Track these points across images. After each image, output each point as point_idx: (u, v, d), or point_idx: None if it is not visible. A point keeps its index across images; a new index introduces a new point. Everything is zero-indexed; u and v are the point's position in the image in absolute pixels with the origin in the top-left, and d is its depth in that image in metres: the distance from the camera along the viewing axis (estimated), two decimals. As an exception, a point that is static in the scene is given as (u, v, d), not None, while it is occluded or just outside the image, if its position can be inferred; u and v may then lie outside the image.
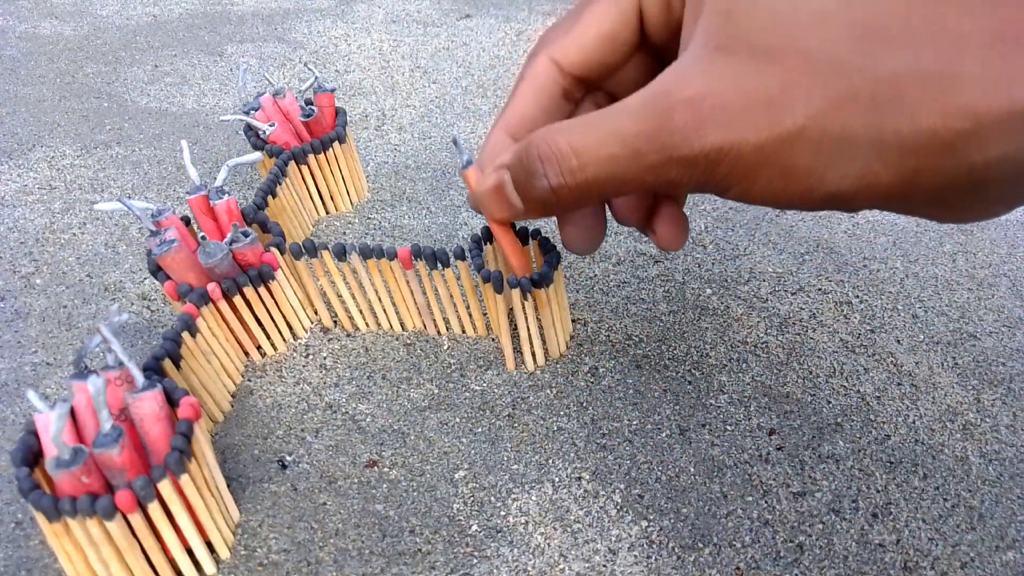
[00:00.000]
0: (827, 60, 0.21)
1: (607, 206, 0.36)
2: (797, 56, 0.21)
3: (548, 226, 0.56)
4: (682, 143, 0.23)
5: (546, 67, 0.31)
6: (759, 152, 0.22)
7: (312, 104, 0.56)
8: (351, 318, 0.46)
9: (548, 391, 0.42)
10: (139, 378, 0.32)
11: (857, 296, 0.49)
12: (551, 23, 0.93)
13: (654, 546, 0.34)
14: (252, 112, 0.54)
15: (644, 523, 0.35)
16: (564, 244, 0.35)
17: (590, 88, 0.33)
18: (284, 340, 0.45)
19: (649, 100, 0.24)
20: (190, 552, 0.33)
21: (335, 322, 0.47)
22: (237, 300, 0.42)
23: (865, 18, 0.20)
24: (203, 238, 0.40)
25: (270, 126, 0.53)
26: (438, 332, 0.46)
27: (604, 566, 0.33)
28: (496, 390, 0.42)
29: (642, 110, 0.24)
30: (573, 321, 0.46)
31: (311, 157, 0.54)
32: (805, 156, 0.22)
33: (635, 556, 0.33)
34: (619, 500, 0.36)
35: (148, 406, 0.31)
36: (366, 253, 0.43)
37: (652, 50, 0.31)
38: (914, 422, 0.40)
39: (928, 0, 0.19)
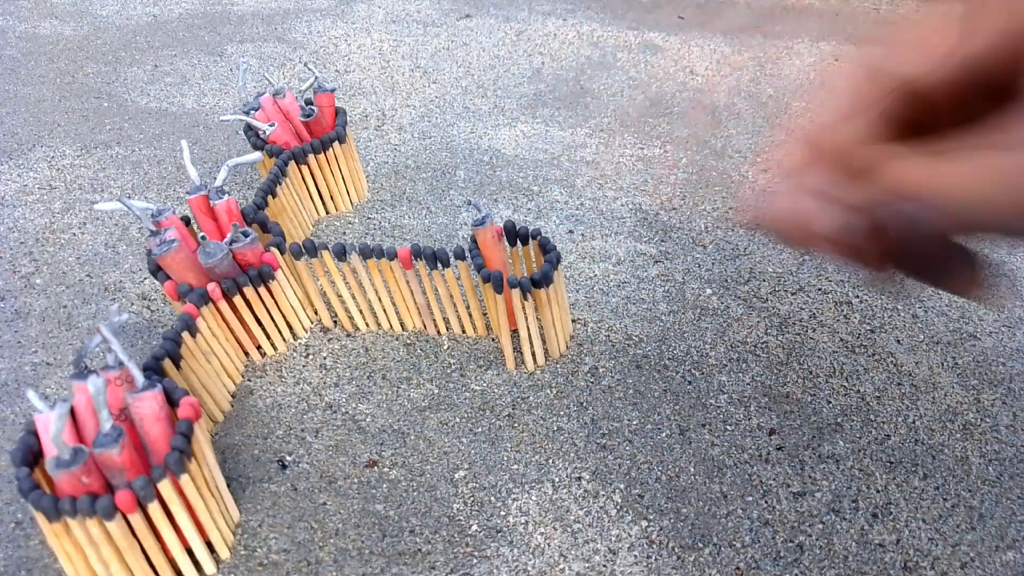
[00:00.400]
0: None
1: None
2: None
3: (548, 227, 0.56)
4: None
5: (883, 79, 0.28)
6: None
7: (312, 104, 0.56)
8: (351, 318, 0.46)
9: (548, 391, 0.42)
10: (139, 378, 0.32)
11: (857, 296, 0.49)
12: (550, 24, 0.94)
13: (654, 546, 0.34)
14: (252, 112, 0.54)
15: (644, 523, 0.35)
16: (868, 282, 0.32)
17: (905, 119, 0.30)
18: (284, 340, 0.45)
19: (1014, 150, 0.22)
20: (190, 552, 0.33)
21: (335, 322, 0.47)
22: (237, 300, 0.42)
23: None
24: (203, 238, 0.40)
25: (270, 126, 0.53)
26: (438, 332, 0.46)
27: (604, 566, 0.33)
28: (496, 390, 0.42)
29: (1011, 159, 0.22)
30: (573, 321, 0.46)
31: (311, 157, 0.54)
32: None
33: (635, 556, 0.33)
34: (619, 500, 0.36)
35: (148, 406, 0.31)
36: (366, 253, 0.43)
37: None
38: (914, 422, 0.40)
39: None
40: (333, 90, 0.56)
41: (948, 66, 0.28)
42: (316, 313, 0.47)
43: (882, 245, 0.26)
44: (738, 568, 0.33)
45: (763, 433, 0.39)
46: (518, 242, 0.43)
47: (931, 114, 0.29)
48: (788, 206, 0.27)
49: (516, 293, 0.40)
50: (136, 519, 0.30)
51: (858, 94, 0.29)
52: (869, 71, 0.28)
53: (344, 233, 0.55)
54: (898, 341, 0.45)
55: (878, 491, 0.36)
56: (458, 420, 0.40)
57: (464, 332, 0.46)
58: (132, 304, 0.49)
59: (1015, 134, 0.23)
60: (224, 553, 0.34)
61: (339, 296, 0.47)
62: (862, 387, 0.42)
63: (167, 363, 0.36)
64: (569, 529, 0.35)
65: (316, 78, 0.55)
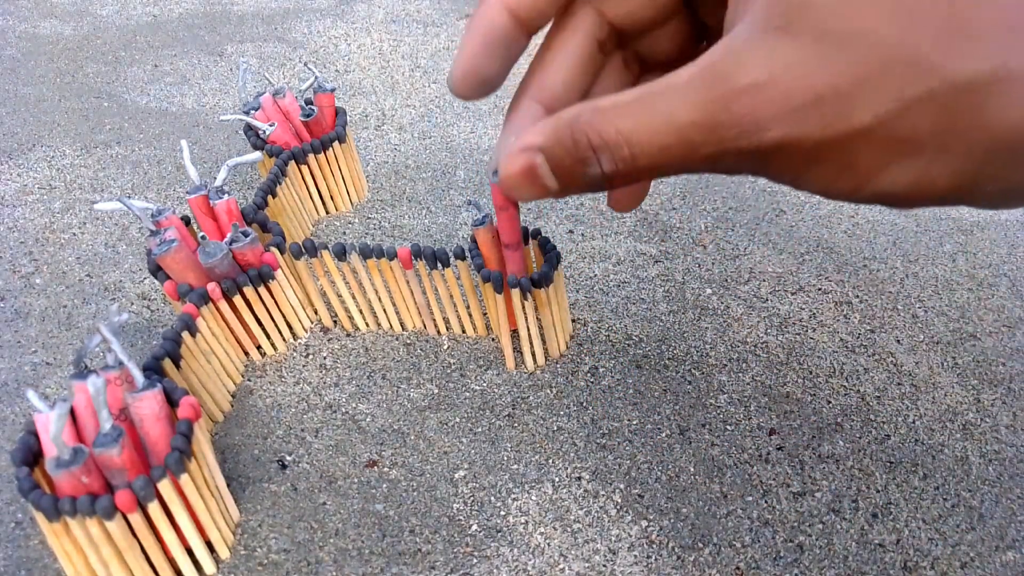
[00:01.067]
0: (905, 56, 0.19)
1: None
2: (872, 47, 0.19)
3: (548, 226, 0.56)
4: (740, 137, 0.21)
5: (587, 16, 0.29)
6: (819, 148, 0.21)
7: (312, 104, 0.56)
8: (351, 318, 0.46)
9: (548, 391, 0.42)
10: (139, 378, 0.32)
11: (857, 296, 0.49)
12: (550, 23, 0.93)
13: (654, 546, 0.34)
14: (252, 112, 0.54)
15: (644, 523, 0.35)
16: (609, 204, 0.34)
17: (621, 43, 0.31)
18: (284, 340, 0.45)
19: (704, 83, 0.22)
20: (190, 552, 0.33)
21: (335, 322, 0.47)
22: (237, 300, 0.42)
23: (953, 11, 0.18)
24: (203, 238, 0.40)
25: (270, 126, 0.53)
26: (438, 332, 0.46)
27: (604, 566, 0.33)
28: (496, 390, 0.42)
29: (697, 95, 0.22)
30: (573, 321, 0.46)
31: (311, 157, 0.54)
32: (865, 155, 0.21)
33: (635, 556, 0.33)
34: (619, 500, 0.36)
35: (148, 406, 0.31)
36: (366, 253, 0.43)
37: (690, 14, 0.29)
38: (914, 422, 0.40)
39: None
40: (333, 90, 0.56)
41: None
42: (316, 313, 0.47)
43: (569, 183, 0.27)
44: (738, 568, 0.33)
45: (763, 433, 0.39)
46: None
47: (653, 43, 0.29)
48: (513, 168, 0.28)
49: (516, 293, 0.40)
50: (136, 519, 0.30)
51: (576, 29, 0.30)
52: (585, 10, 0.29)
53: (344, 233, 0.55)
54: (898, 341, 0.45)
55: (878, 491, 0.36)
56: (458, 420, 0.40)
57: (464, 332, 0.46)
58: (132, 304, 0.49)
59: (685, 78, 0.23)
60: (224, 553, 0.34)
61: (339, 296, 0.47)
62: (862, 387, 0.42)
63: (167, 363, 0.36)
64: (569, 529, 0.35)
65: (316, 78, 0.55)
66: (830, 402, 0.41)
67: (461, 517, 0.35)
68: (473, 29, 0.29)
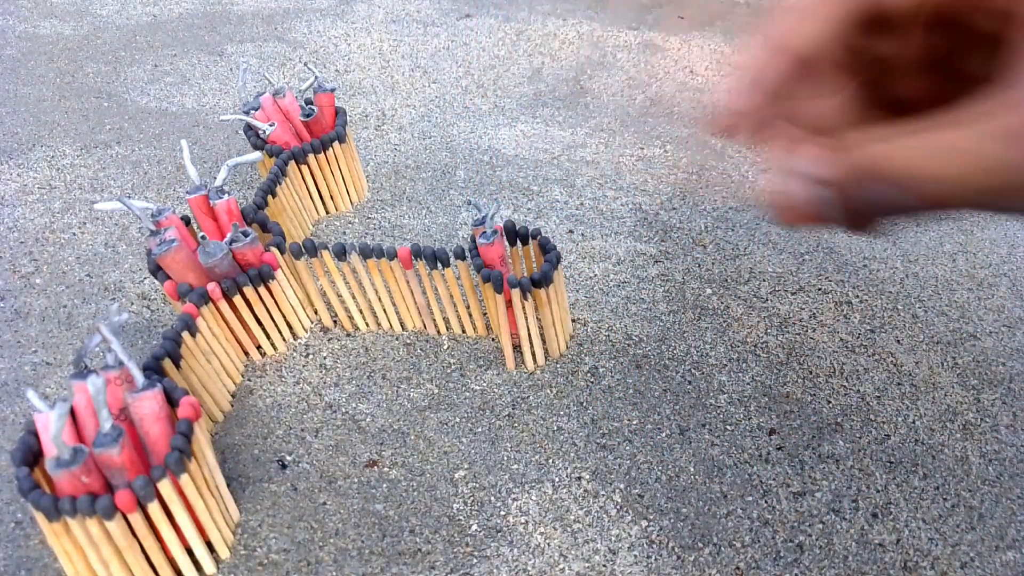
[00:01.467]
0: None
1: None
2: None
3: (548, 226, 0.56)
4: None
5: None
6: None
7: (312, 104, 0.56)
8: (351, 318, 0.46)
9: (548, 391, 0.42)
10: (139, 378, 0.31)
11: (857, 296, 0.49)
12: (550, 24, 0.93)
13: (654, 546, 0.34)
14: (252, 112, 0.54)
15: (644, 523, 0.35)
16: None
17: (867, 29, 0.30)
18: (284, 340, 0.45)
19: (1001, 113, 0.22)
20: (190, 552, 0.33)
21: (335, 322, 0.47)
22: (237, 300, 0.42)
23: None
24: (203, 238, 0.40)
25: (270, 126, 0.53)
26: (438, 332, 0.46)
27: (604, 566, 0.33)
28: (496, 390, 0.42)
29: (995, 124, 0.22)
30: (573, 321, 0.46)
31: (311, 157, 0.54)
32: None
33: (635, 556, 0.33)
34: (619, 500, 0.36)
35: (148, 406, 0.31)
36: (366, 253, 0.43)
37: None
38: (914, 422, 0.40)
39: None
40: (333, 90, 0.56)
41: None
42: (316, 313, 0.47)
43: (856, 218, 0.27)
44: (738, 568, 0.33)
45: (763, 433, 0.39)
46: (518, 242, 0.43)
47: (902, 64, 0.29)
48: (779, 190, 0.28)
49: (516, 293, 0.40)
50: (136, 519, 0.30)
51: (822, 4, 0.30)
52: None
53: (344, 233, 0.55)
54: (898, 341, 0.45)
55: (878, 491, 0.36)
56: (458, 420, 0.40)
57: (464, 332, 0.46)
58: (132, 304, 0.49)
59: (969, 111, 0.23)
60: (224, 553, 0.34)
61: (339, 296, 0.47)
62: (862, 387, 0.42)
63: (167, 363, 0.36)
64: (569, 529, 0.35)
65: (316, 78, 0.55)
66: (830, 402, 0.41)
67: (461, 517, 0.35)
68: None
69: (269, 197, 0.48)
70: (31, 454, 0.30)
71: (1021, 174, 0.23)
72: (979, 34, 0.28)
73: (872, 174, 0.25)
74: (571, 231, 0.55)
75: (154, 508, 0.30)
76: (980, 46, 0.28)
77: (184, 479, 0.31)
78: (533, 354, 0.43)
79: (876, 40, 0.31)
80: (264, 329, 0.44)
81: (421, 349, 0.45)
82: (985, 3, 0.28)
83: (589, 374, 0.43)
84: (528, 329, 0.41)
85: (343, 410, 0.41)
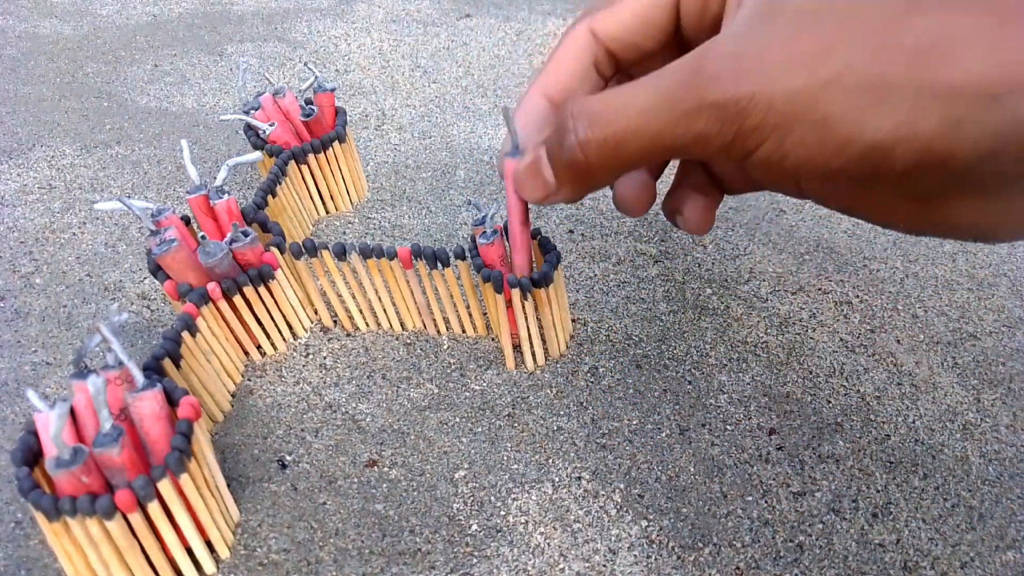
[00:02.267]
0: (872, 17, 0.21)
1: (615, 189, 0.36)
2: (842, 20, 0.21)
3: (548, 226, 0.56)
4: (714, 87, 0.23)
5: (584, 36, 0.32)
6: (792, 101, 0.22)
7: (312, 104, 0.56)
8: (351, 318, 0.46)
9: (548, 391, 0.42)
10: (139, 377, 0.31)
11: (857, 296, 0.49)
12: (550, 23, 0.93)
13: (654, 546, 0.34)
14: (252, 111, 0.54)
15: (644, 523, 0.35)
16: (615, 204, 0.35)
17: (620, 68, 0.33)
18: (284, 340, 0.45)
19: (685, 59, 0.24)
20: (190, 552, 0.33)
21: (335, 322, 0.47)
22: (237, 300, 0.42)
23: None
24: (203, 238, 0.40)
25: (270, 125, 0.53)
26: (438, 332, 0.46)
27: (604, 566, 0.33)
28: (496, 390, 0.42)
29: (676, 66, 0.24)
30: (573, 321, 0.46)
31: (311, 157, 0.54)
32: (841, 104, 0.21)
33: (635, 556, 0.33)
34: (619, 500, 0.36)
35: (148, 406, 0.31)
36: (366, 253, 0.43)
37: (685, 48, 0.31)
38: (914, 422, 0.40)
39: None
40: (333, 90, 0.56)
41: (634, 21, 0.31)
42: (316, 313, 0.47)
43: (568, 170, 0.29)
44: (738, 568, 0.33)
45: (763, 433, 0.39)
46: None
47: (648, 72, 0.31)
48: (523, 163, 0.31)
49: (516, 293, 0.40)
50: (136, 519, 0.30)
51: (576, 46, 0.33)
52: (585, 23, 0.32)
53: (344, 233, 0.55)
54: (898, 341, 0.45)
55: (878, 491, 0.36)
56: (458, 420, 0.40)
57: (464, 332, 0.46)
58: (132, 304, 0.49)
59: (668, 65, 0.25)
60: (224, 553, 0.34)
61: (339, 296, 0.47)
62: (862, 387, 0.42)
63: (167, 363, 0.36)
64: (569, 529, 0.35)
65: (316, 78, 0.55)
66: (830, 402, 0.41)
67: (461, 517, 0.35)
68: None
69: (269, 197, 0.48)
70: (31, 454, 0.30)
71: (689, 99, 0.24)
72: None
73: (567, 114, 0.28)
74: (571, 231, 0.55)
75: (154, 508, 0.30)
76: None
77: (184, 479, 0.31)
78: (533, 354, 0.43)
79: (622, 71, 0.34)
80: (264, 329, 0.44)
81: (421, 349, 0.45)
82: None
83: (589, 374, 0.43)
84: (528, 329, 0.41)
85: (343, 410, 0.41)
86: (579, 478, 0.37)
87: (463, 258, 0.42)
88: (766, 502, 0.36)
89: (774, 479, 0.37)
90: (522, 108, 0.34)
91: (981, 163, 0.21)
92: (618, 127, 0.26)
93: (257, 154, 0.46)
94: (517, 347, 0.43)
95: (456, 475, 0.37)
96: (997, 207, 0.22)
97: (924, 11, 0.20)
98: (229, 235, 0.41)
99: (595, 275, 0.51)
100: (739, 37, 0.23)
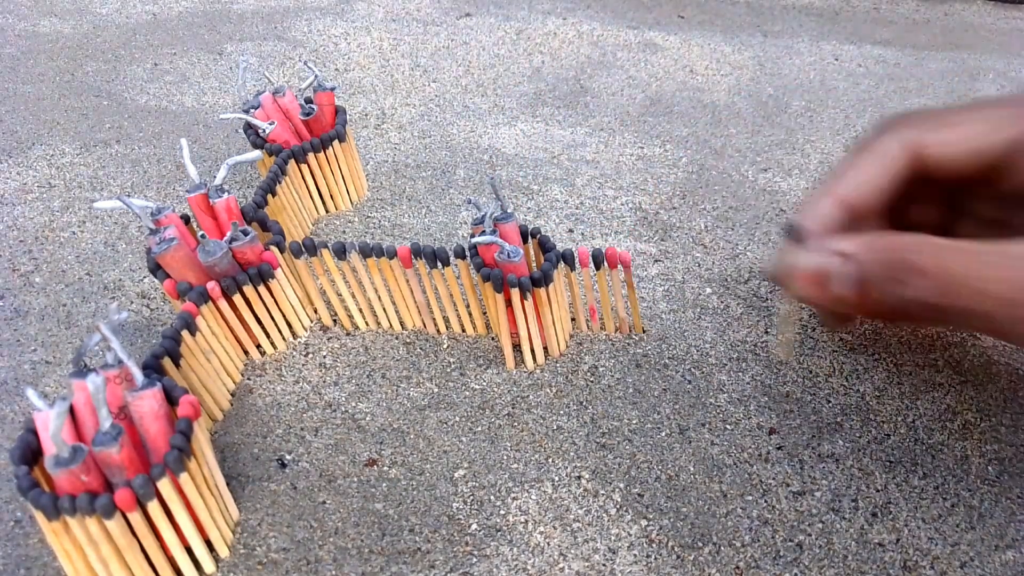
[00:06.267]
0: None
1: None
2: None
3: (548, 226, 0.56)
4: None
5: (897, 150, 0.30)
6: None
7: (312, 102, 0.56)
8: (351, 317, 0.46)
9: (548, 390, 0.42)
10: (138, 376, 0.31)
11: (857, 296, 0.49)
12: (550, 23, 0.93)
13: (654, 545, 0.34)
14: (252, 110, 0.54)
15: (644, 522, 0.35)
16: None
17: (937, 187, 0.32)
18: (284, 339, 0.45)
19: None
20: (189, 551, 0.33)
21: (335, 321, 0.47)
22: (237, 298, 0.42)
23: None
24: (203, 236, 0.40)
25: (270, 124, 0.53)
26: (438, 331, 0.46)
27: (604, 565, 0.33)
28: (496, 389, 0.42)
29: None
30: (573, 320, 0.46)
31: (311, 155, 0.54)
32: None
33: (635, 555, 0.33)
34: (619, 499, 0.36)
35: (147, 404, 0.31)
36: (366, 252, 0.43)
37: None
38: (914, 422, 0.40)
39: None
40: (333, 88, 0.56)
41: (972, 151, 0.30)
42: (316, 312, 0.47)
43: (864, 304, 0.28)
44: (737, 567, 0.33)
45: (763, 432, 0.39)
46: (518, 241, 0.43)
47: (954, 194, 0.30)
48: (805, 265, 0.30)
49: (516, 292, 0.40)
50: (135, 518, 0.30)
51: (887, 160, 0.31)
52: (901, 140, 0.31)
53: (344, 232, 0.55)
54: (898, 341, 0.45)
55: (878, 490, 0.36)
56: (458, 419, 0.40)
57: (464, 331, 0.46)
58: (131, 302, 0.49)
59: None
60: (223, 552, 0.34)
61: (339, 295, 0.47)
62: (862, 387, 0.42)
63: (167, 361, 0.36)
64: (569, 528, 0.35)
65: (316, 76, 0.55)
66: (830, 402, 0.41)
67: (461, 516, 0.35)
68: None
69: (269, 196, 0.48)
70: (30, 452, 0.30)
71: None
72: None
73: (911, 267, 0.26)
74: (571, 230, 0.55)
75: (153, 507, 0.30)
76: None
77: (184, 478, 0.31)
78: (533, 353, 0.43)
79: (922, 198, 0.32)
80: (264, 328, 0.44)
81: (421, 348, 0.45)
82: None
83: (589, 373, 0.43)
84: (528, 328, 0.41)
85: (343, 409, 0.41)
86: (579, 477, 0.37)
87: (463, 257, 0.42)
88: (766, 501, 0.36)
89: (774, 478, 0.37)
90: (813, 214, 0.32)
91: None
92: (957, 302, 0.24)
93: (257, 153, 0.46)
94: (517, 346, 0.43)
95: (456, 474, 0.37)
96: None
97: None
98: (229, 234, 0.41)
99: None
100: None
